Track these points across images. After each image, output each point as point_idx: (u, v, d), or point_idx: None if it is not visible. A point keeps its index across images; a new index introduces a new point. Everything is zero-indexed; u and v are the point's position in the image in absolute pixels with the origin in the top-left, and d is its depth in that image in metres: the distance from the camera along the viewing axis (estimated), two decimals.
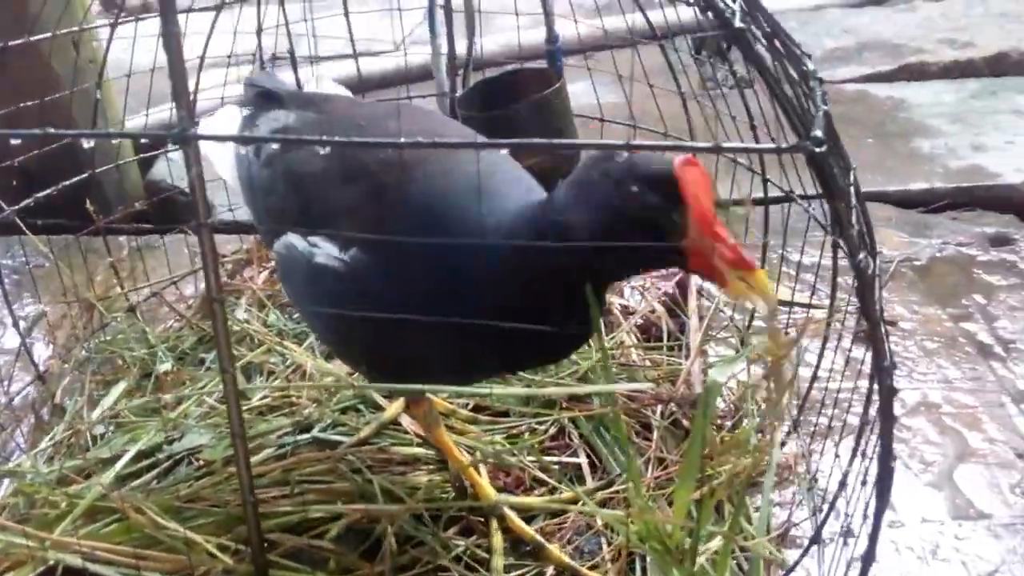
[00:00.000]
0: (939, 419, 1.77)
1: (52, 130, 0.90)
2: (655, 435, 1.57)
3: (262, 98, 1.58)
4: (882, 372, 0.96)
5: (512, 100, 2.01)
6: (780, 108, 0.90)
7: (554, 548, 1.38)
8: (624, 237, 1.02)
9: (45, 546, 1.32)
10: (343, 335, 1.32)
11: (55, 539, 1.32)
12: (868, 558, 1.03)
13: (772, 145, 0.87)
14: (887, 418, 0.97)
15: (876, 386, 1.02)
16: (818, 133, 0.84)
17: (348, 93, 1.86)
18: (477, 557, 1.39)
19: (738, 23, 0.93)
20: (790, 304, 2.00)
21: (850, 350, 1.91)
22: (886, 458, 0.98)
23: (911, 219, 2.57)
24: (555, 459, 1.57)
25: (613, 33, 2.09)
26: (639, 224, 1.03)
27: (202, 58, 1.98)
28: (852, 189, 1.06)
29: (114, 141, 2.33)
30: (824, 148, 0.84)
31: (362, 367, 1.40)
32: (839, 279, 1.64)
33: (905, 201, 2.68)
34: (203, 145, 1.55)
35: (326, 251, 1.25)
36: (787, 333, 1.89)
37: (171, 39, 0.89)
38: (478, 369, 1.30)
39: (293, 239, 1.31)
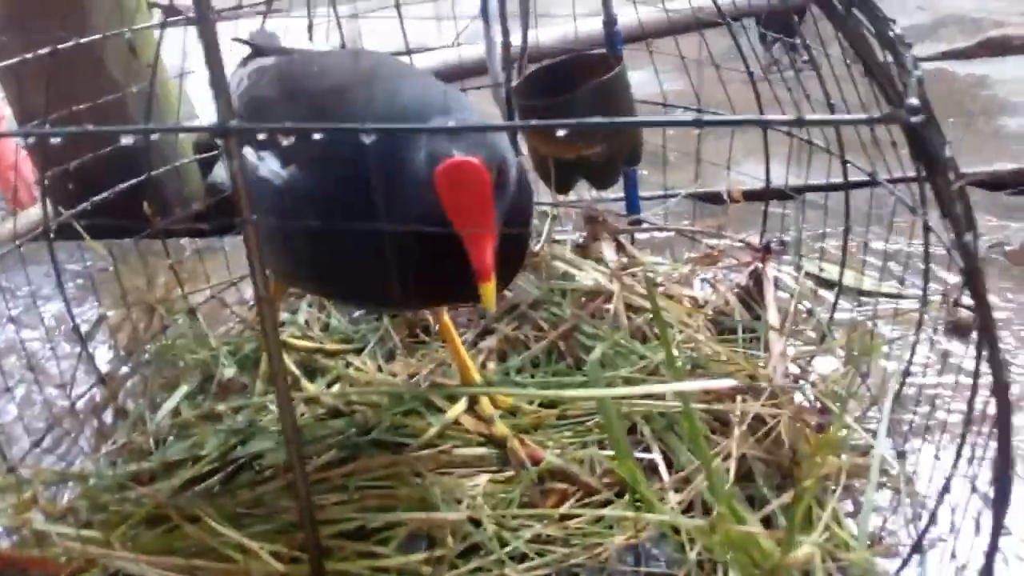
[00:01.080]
0: None
1: (91, 127, 0.85)
2: (736, 432, 1.48)
3: (253, 52, 1.71)
4: (998, 366, 0.85)
5: (571, 87, 1.93)
6: (868, 74, 0.81)
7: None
8: None
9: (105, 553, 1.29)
10: (277, 247, 1.36)
11: (105, 552, 1.29)
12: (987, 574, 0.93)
13: (863, 116, 0.78)
14: (1005, 418, 0.86)
15: (982, 380, 0.93)
16: (914, 101, 0.74)
17: None
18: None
19: None
20: (876, 295, 1.89)
21: (940, 342, 1.79)
22: (1006, 465, 0.87)
23: (999, 201, 2.42)
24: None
25: (676, 16, 2.01)
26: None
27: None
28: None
29: (173, 142, 2.31)
30: (921, 117, 0.74)
31: (297, 281, 1.57)
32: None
33: (992, 183, 2.53)
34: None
35: (268, 165, 1.33)
36: (874, 325, 1.80)
37: (206, 28, 0.83)
38: (399, 294, 1.24)
39: (247, 151, 1.37)
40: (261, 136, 1.36)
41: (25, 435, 1.77)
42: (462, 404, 1.63)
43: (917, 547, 1.18)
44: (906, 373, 1.50)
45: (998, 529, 0.92)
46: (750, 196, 2.11)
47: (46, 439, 1.73)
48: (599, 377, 1.53)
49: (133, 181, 1.91)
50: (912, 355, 1.49)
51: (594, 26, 2.10)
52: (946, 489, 1.10)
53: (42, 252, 1.80)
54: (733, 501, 1.18)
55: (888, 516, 1.35)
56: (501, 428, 1.56)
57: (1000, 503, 0.90)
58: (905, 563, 1.20)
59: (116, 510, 1.45)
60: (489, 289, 1.10)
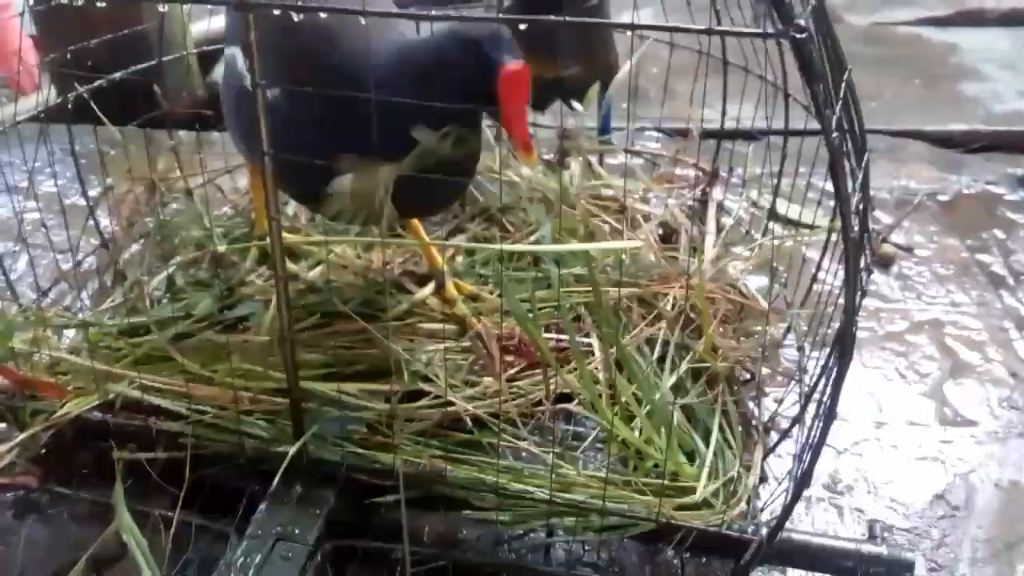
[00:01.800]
0: (941, 338, 1.85)
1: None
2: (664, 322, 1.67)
3: None
4: (850, 263, 1.02)
5: (555, 10, 2.08)
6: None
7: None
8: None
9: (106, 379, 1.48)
10: (249, 140, 1.54)
11: (116, 371, 1.49)
12: (817, 447, 1.14)
13: (758, 30, 0.96)
14: (850, 312, 1.04)
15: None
16: (801, 22, 0.92)
17: None
18: None
19: None
20: (808, 226, 2.08)
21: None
22: (838, 385, 1.07)
23: (944, 157, 2.60)
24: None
25: None
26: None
27: None
28: (847, 88, 1.14)
29: (179, 36, 2.44)
30: (805, 35, 0.92)
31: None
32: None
33: (942, 140, 2.71)
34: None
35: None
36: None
37: None
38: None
39: (236, 54, 1.54)
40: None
41: (32, 292, 1.96)
42: (429, 287, 1.83)
43: (798, 418, 1.39)
44: (812, 279, 1.68)
45: (829, 419, 1.12)
46: (712, 135, 2.29)
47: (51, 293, 1.92)
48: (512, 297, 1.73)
49: (140, 67, 2.06)
50: (819, 262, 1.67)
51: None
52: (814, 388, 1.29)
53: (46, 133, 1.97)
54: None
55: (783, 398, 1.56)
56: (461, 308, 1.76)
57: (835, 389, 1.09)
58: (787, 432, 1.41)
59: (117, 350, 1.65)
60: (534, 158, 1.38)
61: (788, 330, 1.69)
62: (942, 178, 2.46)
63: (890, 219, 2.25)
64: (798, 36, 0.93)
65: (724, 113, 2.06)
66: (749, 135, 2.10)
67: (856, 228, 1.02)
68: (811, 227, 2.02)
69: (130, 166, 2.06)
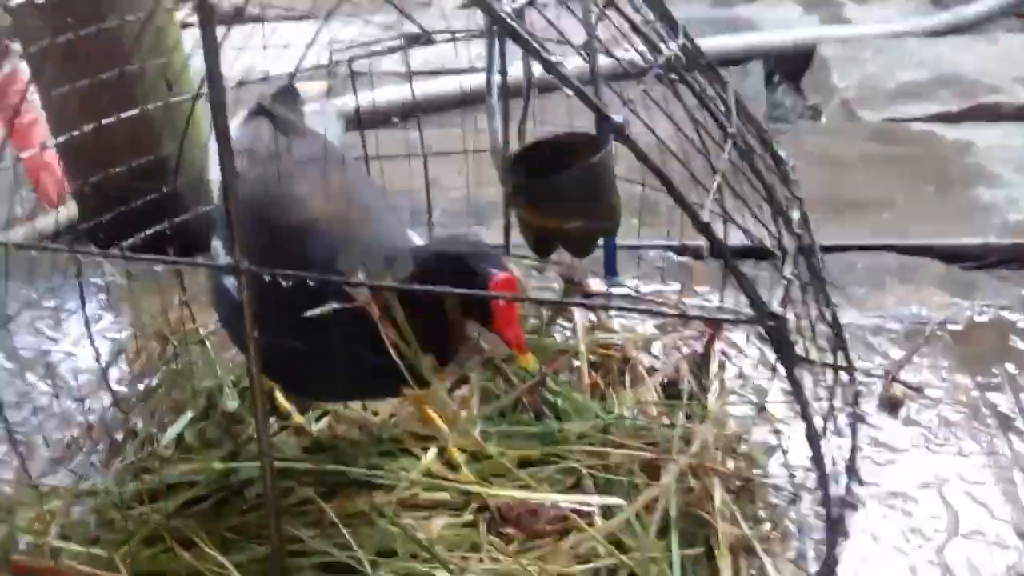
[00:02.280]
0: (947, 494, 1.82)
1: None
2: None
3: (257, 110, 1.92)
4: (825, 487, 1.03)
5: (560, 164, 2.12)
6: (738, 282, 1.00)
7: None
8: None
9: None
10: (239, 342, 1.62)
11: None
12: None
13: (732, 317, 0.98)
14: (831, 531, 1.05)
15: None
16: (776, 309, 0.94)
17: (337, 128, 2.03)
18: None
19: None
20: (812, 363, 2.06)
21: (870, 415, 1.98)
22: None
23: (957, 277, 2.58)
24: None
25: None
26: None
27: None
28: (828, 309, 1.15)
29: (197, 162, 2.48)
30: (778, 323, 0.94)
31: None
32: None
33: (954, 256, 2.69)
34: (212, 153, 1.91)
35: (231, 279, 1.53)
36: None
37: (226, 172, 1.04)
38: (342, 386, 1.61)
39: (218, 246, 1.66)
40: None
41: (41, 443, 2.01)
42: (432, 453, 1.84)
43: None
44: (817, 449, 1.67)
45: None
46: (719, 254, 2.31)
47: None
48: None
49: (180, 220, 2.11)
50: (824, 430, 1.66)
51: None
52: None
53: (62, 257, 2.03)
54: None
55: None
56: (466, 475, 1.77)
57: None
58: None
59: (121, 527, 1.68)
60: (531, 359, 1.51)
61: (793, 502, 1.68)
62: (954, 304, 2.43)
63: (899, 352, 2.23)
64: (771, 324, 0.95)
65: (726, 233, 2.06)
66: (760, 254, 2.11)
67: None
68: (832, 367, 2.00)
69: (140, 322, 2.12)
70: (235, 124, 1.95)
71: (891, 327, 2.34)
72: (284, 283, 1.14)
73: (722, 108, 1.28)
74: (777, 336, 0.95)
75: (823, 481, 1.02)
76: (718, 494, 1.60)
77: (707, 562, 1.56)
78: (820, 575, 1.08)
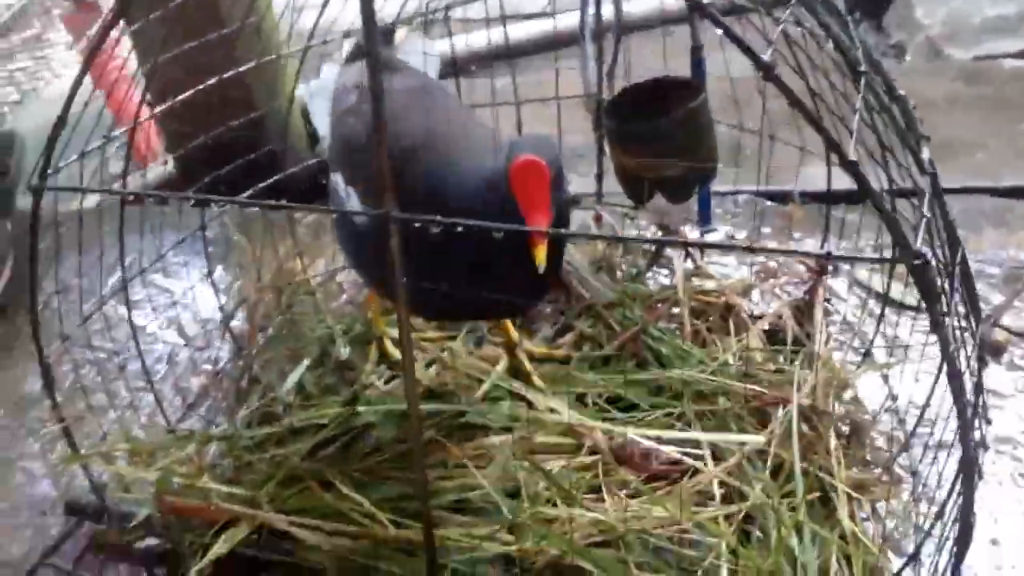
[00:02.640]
0: None
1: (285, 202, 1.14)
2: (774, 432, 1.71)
3: (357, 52, 1.93)
4: (965, 429, 1.07)
5: (655, 108, 2.14)
6: (884, 221, 1.02)
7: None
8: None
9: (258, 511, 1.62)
10: (363, 268, 1.72)
11: (255, 514, 1.62)
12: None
13: (876, 256, 1.01)
14: (968, 474, 1.09)
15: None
16: (921, 249, 0.97)
17: (436, 64, 2.09)
18: None
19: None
20: (915, 308, 2.07)
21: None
22: (967, 512, 1.11)
23: None
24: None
25: None
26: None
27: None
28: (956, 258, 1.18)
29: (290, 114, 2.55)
30: (922, 261, 0.96)
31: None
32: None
33: None
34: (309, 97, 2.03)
35: (354, 202, 1.59)
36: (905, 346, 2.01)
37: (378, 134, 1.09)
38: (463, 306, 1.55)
39: (338, 179, 1.66)
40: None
41: (173, 392, 2.14)
42: (503, 362, 1.95)
43: (914, 555, 1.42)
44: (930, 395, 1.69)
45: (959, 565, 1.15)
46: (815, 198, 2.30)
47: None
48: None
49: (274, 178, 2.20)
50: (938, 375, 1.69)
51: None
52: (939, 515, 1.33)
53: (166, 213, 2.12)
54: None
55: (897, 524, 1.59)
56: (536, 382, 1.91)
57: (960, 550, 1.13)
58: (903, 568, 1.44)
59: (258, 469, 1.79)
60: (541, 251, 1.36)
61: (902, 450, 1.71)
62: None
63: (999, 297, 2.23)
64: (916, 263, 0.97)
65: (830, 177, 2.07)
66: (856, 197, 2.11)
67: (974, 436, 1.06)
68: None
69: (259, 276, 2.22)
70: (332, 68, 2.00)
71: (990, 271, 2.32)
72: (434, 229, 1.19)
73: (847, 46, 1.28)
74: (922, 274, 0.98)
75: (964, 420, 1.05)
76: (833, 439, 1.63)
77: (821, 506, 1.61)
78: (962, 512, 1.12)
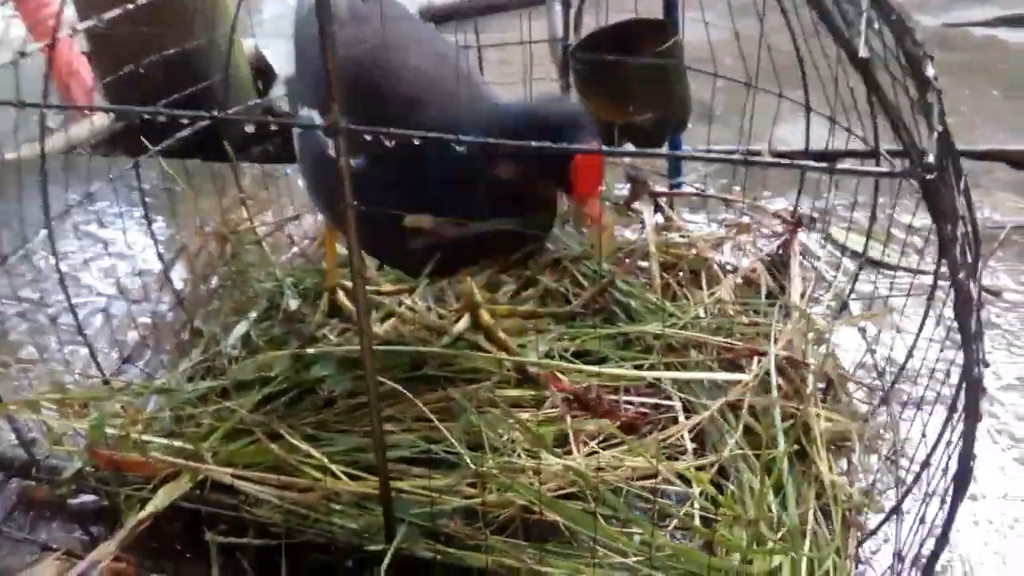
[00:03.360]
0: None
1: (219, 113, 1.01)
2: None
3: None
4: (970, 366, 1.00)
5: (628, 51, 2.04)
6: (892, 127, 0.94)
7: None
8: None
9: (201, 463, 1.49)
10: (329, 204, 1.61)
11: (199, 467, 1.49)
12: (940, 543, 1.11)
13: (884, 170, 0.92)
14: (971, 414, 1.02)
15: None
16: (931, 160, 0.88)
17: None
18: None
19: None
20: (895, 268, 2.01)
21: (949, 318, 1.93)
22: (967, 456, 1.03)
23: None
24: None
25: None
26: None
27: None
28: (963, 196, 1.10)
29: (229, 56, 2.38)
30: (935, 175, 0.88)
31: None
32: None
33: (1021, 161, 2.61)
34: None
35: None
36: (886, 299, 1.95)
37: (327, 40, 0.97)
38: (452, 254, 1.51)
39: (314, 116, 1.55)
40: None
41: (109, 345, 1.99)
42: (465, 319, 1.85)
43: (896, 509, 1.36)
44: (913, 347, 1.63)
45: (953, 510, 1.08)
46: (787, 157, 2.23)
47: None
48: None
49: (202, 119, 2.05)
50: (920, 330, 1.62)
51: None
52: (925, 464, 1.26)
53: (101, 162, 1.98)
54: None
55: (876, 478, 1.52)
56: (501, 337, 1.81)
57: (958, 492, 1.06)
58: (884, 520, 1.38)
59: (200, 423, 1.66)
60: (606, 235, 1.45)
61: (882, 403, 1.65)
62: None
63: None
64: (928, 176, 0.89)
65: (808, 137, 2.00)
66: (830, 157, 2.05)
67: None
68: (915, 271, 1.95)
69: (199, 217, 2.07)
70: None
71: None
72: (388, 143, 1.08)
73: None
74: (933, 190, 0.90)
75: (969, 351, 0.98)
76: (809, 389, 1.56)
77: (798, 460, 1.53)
78: (962, 453, 1.04)
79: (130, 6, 1.74)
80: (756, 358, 1.68)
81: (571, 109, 1.42)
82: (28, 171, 1.63)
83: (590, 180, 1.34)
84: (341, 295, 2.01)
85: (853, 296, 1.90)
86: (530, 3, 2.48)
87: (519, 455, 1.51)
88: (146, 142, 2.02)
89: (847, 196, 2.12)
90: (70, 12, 3.17)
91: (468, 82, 1.51)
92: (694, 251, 1.99)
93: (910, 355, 1.63)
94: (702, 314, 1.84)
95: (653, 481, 1.47)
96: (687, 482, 1.44)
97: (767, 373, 1.56)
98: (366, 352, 1.21)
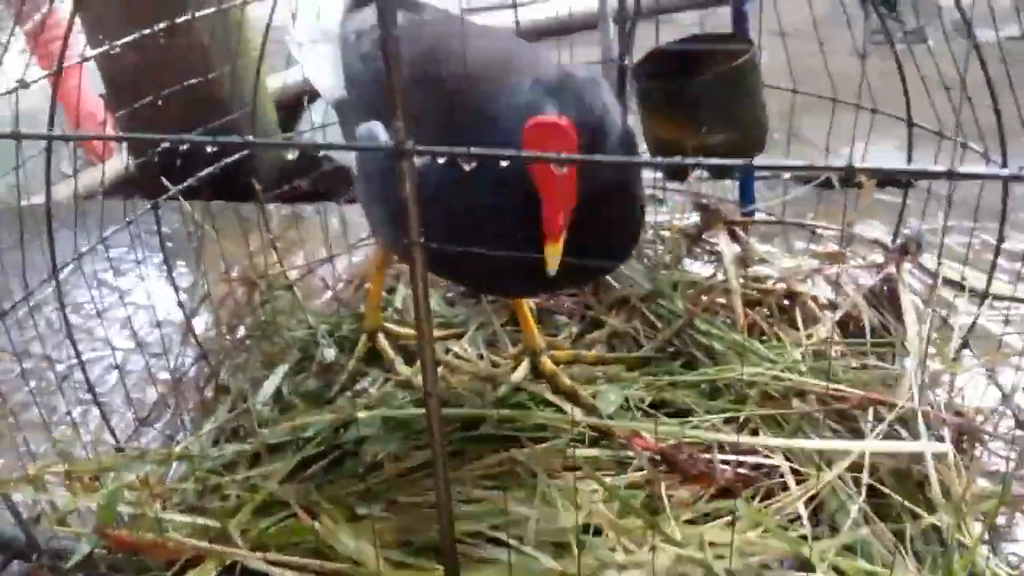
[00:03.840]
0: None
1: (250, 138, 0.80)
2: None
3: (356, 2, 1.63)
4: None
5: (696, 70, 1.84)
6: None
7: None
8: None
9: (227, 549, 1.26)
10: (388, 224, 1.37)
11: (227, 551, 1.26)
12: None
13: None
14: None
15: None
16: None
17: None
18: None
19: None
20: (1009, 299, 1.77)
21: None
22: None
23: None
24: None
25: None
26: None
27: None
28: None
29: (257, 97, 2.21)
30: None
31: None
32: None
33: None
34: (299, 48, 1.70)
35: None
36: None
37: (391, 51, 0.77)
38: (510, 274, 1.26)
39: (378, 129, 1.35)
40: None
41: (125, 405, 1.77)
42: (524, 367, 1.64)
43: None
44: None
45: None
46: (863, 174, 1.99)
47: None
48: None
49: (236, 157, 1.88)
50: None
51: None
52: None
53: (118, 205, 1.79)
54: None
55: None
56: (565, 383, 1.60)
57: None
58: None
59: (225, 492, 1.44)
60: (554, 249, 1.10)
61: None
62: None
63: None
64: None
65: (910, 153, 1.78)
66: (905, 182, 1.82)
67: None
68: None
69: (225, 262, 1.86)
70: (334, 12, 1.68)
71: None
72: (466, 165, 0.87)
73: None
74: None
75: None
76: (947, 446, 1.31)
77: (936, 534, 1.28)
78: None
79: (140, 34, 1.58)
80: (872, 408, 1.44)
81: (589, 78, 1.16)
82: (38, 216, 1.43)
83: (547, 177, 1.08)
84: (382, 339, 1.79)
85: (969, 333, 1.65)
86: (582, 27, 2.29)
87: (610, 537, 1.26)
88: (166, 182, 1.84)
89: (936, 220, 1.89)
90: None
91: (531, 55, 1.32)
92: (782, 285, 1.75)
93: None
94: (798, 356, 1.60)
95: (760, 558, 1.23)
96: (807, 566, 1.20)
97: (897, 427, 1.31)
98: (433, 415, 0.98)
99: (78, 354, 1.57)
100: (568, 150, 1.05)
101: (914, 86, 1.73)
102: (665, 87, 1.83)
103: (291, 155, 1.05)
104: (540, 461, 1.42)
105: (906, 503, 1.30)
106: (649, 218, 1.95)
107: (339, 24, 1.63)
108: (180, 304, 1.77)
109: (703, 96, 1.78)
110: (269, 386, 1.73)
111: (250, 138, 0.99)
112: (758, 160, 0.81)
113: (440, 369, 1.74)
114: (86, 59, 1.67)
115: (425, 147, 0.88)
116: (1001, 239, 1.54)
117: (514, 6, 2.15)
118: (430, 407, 0.98)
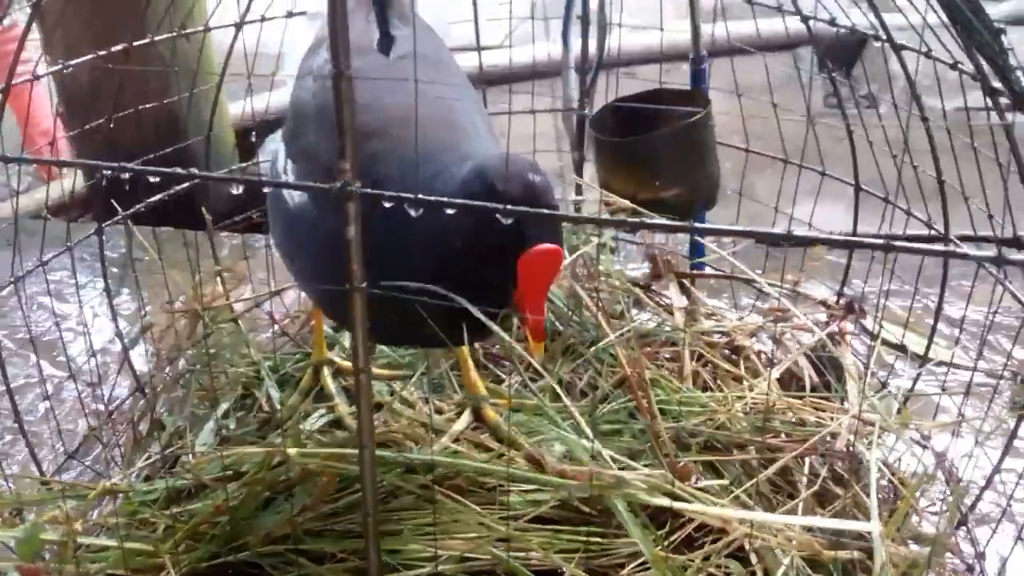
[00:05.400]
0: None
1: (194, 170, 0.79)
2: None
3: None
4: None
5: (652, 123, 1.87)
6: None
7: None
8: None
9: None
10: (291, 255, 1.43)
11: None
12: None
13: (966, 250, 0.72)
14: None
15: None
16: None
17: None
18: None
19: None
20: (949, 365, 1.81)
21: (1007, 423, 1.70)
22: None
23: None
24: None
25: (736, 39, 1.94)
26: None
27: None
28: None
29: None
30: None
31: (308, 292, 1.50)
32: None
33: None
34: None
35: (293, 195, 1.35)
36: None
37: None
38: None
39: (280, 151, 1.43)
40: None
41: (55, 436, 1.72)
42: (466, 417, 1.62)
43: None
44: (998, 466, 1.42)
45: None
46: (802, 242, 2.03)
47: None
48: None
49: (186, 185, 1.85)
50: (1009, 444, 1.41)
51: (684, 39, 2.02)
52: None
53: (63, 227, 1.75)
54: None
55: None
56: (505, 431, 1.56)
57: None
58: None
59: (155, 525, 1.39)
60: (541, 348, 1.22)
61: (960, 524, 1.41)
62: None
63: None
64: None
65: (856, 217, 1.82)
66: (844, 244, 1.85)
67: None
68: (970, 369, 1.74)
69: (169, 291, 1.83)
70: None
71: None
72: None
73: None
74: None
75: None
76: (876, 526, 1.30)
77: None
78: None
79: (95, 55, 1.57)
80: (806, 460, 1.46)
81: (536, 188, 1.16)
82: None
83: (539, 278, 1.15)
84: (326, 373, 1.77)
85: (909, 394, 1.68)
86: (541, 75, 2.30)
87: None
88: (116, 205, 1.81)
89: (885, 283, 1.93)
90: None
91: (455, 132, 1.30)
92: (727, 339, 1.77)
93: (996, 472, 1.40)
94: (739, 409, 1.61)
95: None
96: None
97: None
98: (367, 468, 0.97)
99: (6, 380, 1.52)
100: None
101: (863, 151, 1.78)
102: (621, 139, 1.86)
103: (235, 189, 1.03)
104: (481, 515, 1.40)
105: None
106: (601, 267, 1.96)
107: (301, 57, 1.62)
108: (118, 333, 1.72)
109: (658, 150, 1.81)
110: (208, 425, 1.68)
111: (194, 170, 0.97)
112: (701, 223, 0.83)
113: (382, 414, 1.72)
114: (37, 78, 1.65)
115: (376, 191, 0.87)
116: (940, 307, 1.58)
117: (478, 50, 2.16)
118: (364, 458, 0.96)
